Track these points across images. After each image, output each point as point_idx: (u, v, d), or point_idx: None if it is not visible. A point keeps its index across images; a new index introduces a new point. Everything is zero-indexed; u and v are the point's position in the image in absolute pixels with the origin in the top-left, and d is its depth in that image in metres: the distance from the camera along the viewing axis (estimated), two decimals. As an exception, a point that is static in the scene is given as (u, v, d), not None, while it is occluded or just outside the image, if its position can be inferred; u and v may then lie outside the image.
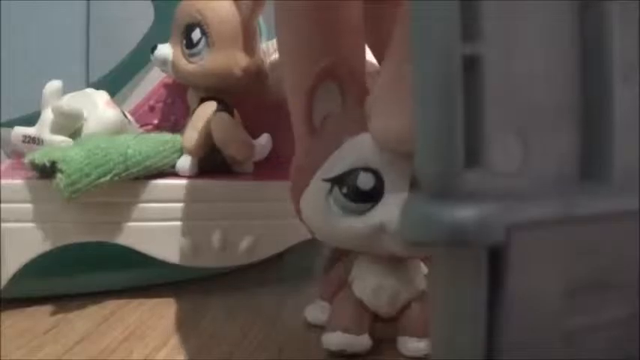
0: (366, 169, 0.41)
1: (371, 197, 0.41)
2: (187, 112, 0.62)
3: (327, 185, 0.41)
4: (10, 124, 0.63)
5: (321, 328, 0.46)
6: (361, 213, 0.41)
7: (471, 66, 0.23)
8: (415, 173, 0.24)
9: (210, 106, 0.59)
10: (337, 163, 0.41)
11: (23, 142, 0.58)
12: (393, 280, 0.44)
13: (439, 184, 0.23)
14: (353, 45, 0.44)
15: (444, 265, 0.24)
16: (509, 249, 0.23)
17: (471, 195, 0.23)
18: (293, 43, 0.46)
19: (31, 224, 0.51)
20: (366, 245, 0.42)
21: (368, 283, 0.44)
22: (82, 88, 0.63)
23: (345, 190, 0.41)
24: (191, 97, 0.62)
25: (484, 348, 0.24)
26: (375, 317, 0.45)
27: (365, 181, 0.40)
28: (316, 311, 0.50)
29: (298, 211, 0.44)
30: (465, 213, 0.22)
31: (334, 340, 0.44)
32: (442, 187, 0.23)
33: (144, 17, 0.71)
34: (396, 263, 0.44)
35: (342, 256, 0.49)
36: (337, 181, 0.41)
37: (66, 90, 0.61)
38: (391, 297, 0.44)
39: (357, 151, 0.41)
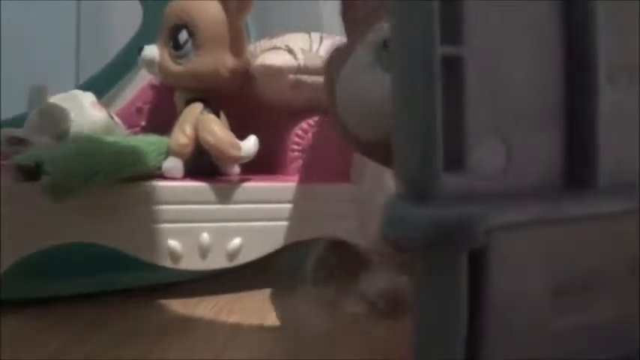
0: None
1: None
2: (175, 114, 0.62)
3: (376, 48, 0.40)
4: (-2, 125, 0.62)
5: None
6: None
7: (452, 67, 0.23)
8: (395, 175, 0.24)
9: (197, 108, 0.59)
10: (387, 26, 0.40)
11: (10, 143, 0.58)
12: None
13: (419, 185, 0.23)
14: None
15: (424, 266, 0.24)
16: (491, 251, 0.23)
17: (451, 197, 0.23)
18: None
19: (17, 226, 0.51)
20: None
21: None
22: (72, 89, 0.63)
23: None
24: (178, 98, 0.62)
25: (466, 349, 0.24)
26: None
27: None
28: None
29: (331, 91, 0.43)
30: (444, 215, 0.22)
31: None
32: (422, 189, 0.23)
33: (135, 18, 0.71)
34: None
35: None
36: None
37: (56, 91, 0.61)
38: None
39: None
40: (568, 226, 0.25)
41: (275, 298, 0.52)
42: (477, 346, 0.24)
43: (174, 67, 0.60)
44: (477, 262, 0.23)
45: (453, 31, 0.23)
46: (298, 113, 0.62)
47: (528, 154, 0.25)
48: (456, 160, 0.23)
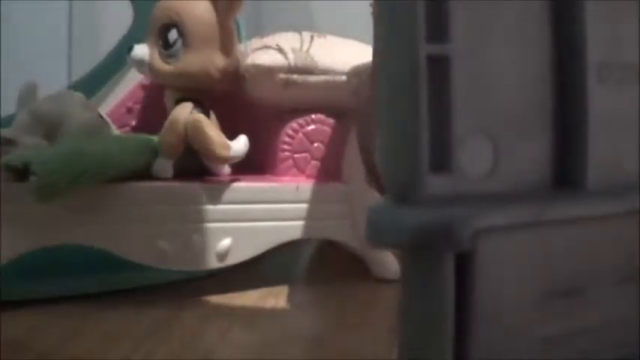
0: None
1: None
2: (165, 114, 0.62)
3: None
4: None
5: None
6: None
7: (439, 67, 0.23)
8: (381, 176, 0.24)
9: (186, 107, 0.58)
10: None
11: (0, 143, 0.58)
12: None
13: (404, 188, 0.23)
14: None
15: (410, 267, 0.24)
16: (477, 254, 0.23)
17: (437, 199, 0.23)
18: None
19: (6, 227, 0.50)
20: None
21: None
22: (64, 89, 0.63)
23: None
24: (168, 98, 0.62)
25: (453, 352, 0.24)
26: None
27: None
28: None
29: (367, 150, 0.42)
30: (429, 217, 0.22)
31: None
32: (407, 191, 0.23)
33: (126, 18, 0.70)
34: None
35: None
36: None
37: (48, 90, 0.60)
38: None
39: None
40: (558, 229, 0.25)
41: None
42: (465, 346, 0.24)
43: (164, 67, 0.60)
44: (465, 264, 0.23)
45: (439, 30, 0.23)
46: (288, 113, 0.62)
47: (516, 155, 0.25)
48: (442, 162, 0.23)
